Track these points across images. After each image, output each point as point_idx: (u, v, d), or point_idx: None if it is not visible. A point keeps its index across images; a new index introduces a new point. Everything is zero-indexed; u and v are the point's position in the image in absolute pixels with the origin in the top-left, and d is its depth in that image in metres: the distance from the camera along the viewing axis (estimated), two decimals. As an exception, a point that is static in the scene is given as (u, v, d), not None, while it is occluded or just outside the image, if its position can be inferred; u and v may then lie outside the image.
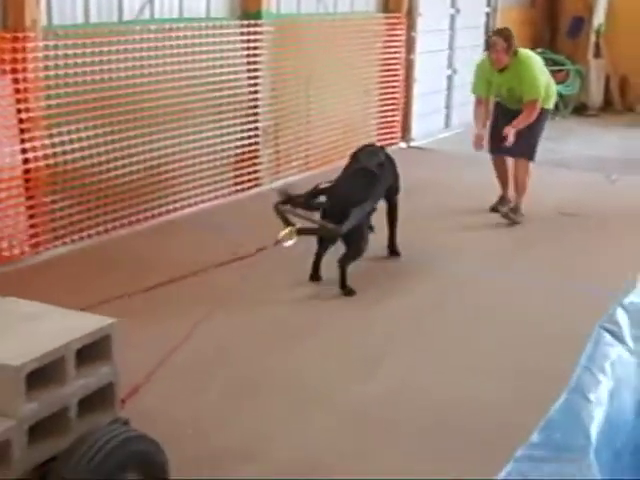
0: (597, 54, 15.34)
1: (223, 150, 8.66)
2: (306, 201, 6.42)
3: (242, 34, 8.73)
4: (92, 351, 3.43)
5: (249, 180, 9.03)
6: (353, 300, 6.25)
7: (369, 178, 6.63)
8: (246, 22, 8.76)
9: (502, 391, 4.90)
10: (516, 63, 7.99)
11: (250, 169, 9.03)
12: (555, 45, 15.87)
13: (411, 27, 11.38)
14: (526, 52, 8.28)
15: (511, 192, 8.49)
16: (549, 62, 15.30)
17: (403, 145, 11.71)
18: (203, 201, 8.47)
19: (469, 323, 5.95)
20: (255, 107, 9.03)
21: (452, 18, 12.65)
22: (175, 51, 7.91)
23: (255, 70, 8.91)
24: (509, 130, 7.81)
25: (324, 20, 10.10)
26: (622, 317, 2.70)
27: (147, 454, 3.36)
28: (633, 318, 2.71)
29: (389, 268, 7.00)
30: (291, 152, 9.67)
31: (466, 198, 9.07)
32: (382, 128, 11.33)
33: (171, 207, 8.10)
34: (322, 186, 6.57)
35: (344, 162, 7.12)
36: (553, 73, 14.95)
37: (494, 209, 8.49)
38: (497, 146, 8.17)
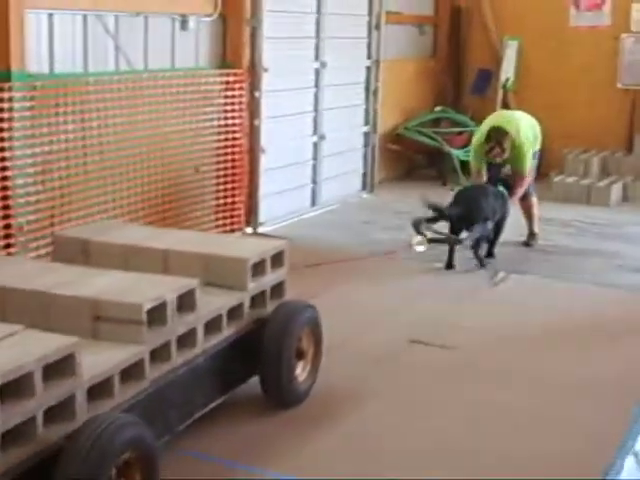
0: (505, 113, 13.18)
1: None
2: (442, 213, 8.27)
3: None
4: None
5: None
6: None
7: (494, 195, 8.53)
8: (-11, 85, 6.50)
9: None
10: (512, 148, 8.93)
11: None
12: (459, 102, 13.76)
13: (254, 86, 9.15)
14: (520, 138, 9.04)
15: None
16: (449, 123, 13.21)
17: (249, 231, 9.46)
18: None
19: None
20: (5, 199, 6.75)
21: (317, 73, 10.40)
22: None
23: (2, 150, 6.64)
24: (514, 201, 8.98)
25: (129, 80, 7.84)
26: None
27: (315, 319, 5.47)
28: None
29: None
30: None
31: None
32: (220, 212, 9.06)
33: None
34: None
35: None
36: (453, 136, 12.88)
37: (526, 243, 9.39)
38: None
